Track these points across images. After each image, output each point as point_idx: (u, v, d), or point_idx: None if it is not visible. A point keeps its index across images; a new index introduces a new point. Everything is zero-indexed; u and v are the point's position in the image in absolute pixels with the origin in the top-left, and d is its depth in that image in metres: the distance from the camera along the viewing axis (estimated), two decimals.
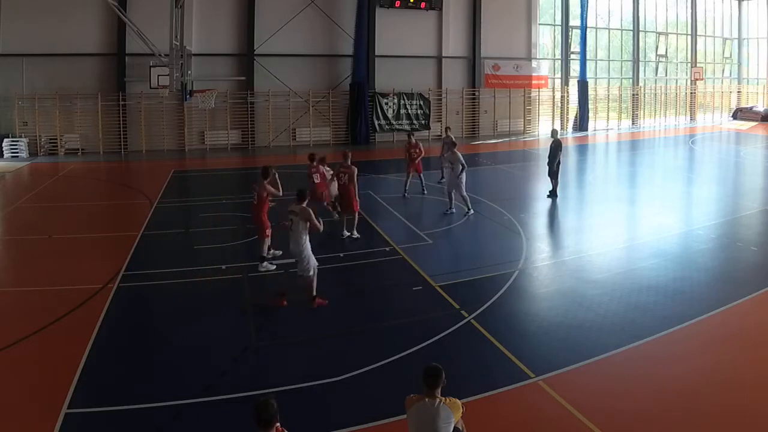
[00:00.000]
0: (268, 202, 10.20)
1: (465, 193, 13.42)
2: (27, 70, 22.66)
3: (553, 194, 15.47)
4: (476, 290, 9.09)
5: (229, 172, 20.70)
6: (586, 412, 5.80)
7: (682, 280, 9.55)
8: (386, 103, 27.49)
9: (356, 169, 11.92)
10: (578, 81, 31.54)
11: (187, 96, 21.08)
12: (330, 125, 27.02)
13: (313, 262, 8.40)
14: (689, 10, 36.48)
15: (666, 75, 36.90)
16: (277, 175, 10.51)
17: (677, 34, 36.79)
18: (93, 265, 10.31)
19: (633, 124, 34.90)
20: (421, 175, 16.08)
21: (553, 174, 15.45)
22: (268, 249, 10.34)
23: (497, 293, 8.90)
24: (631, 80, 35.20)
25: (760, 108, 36.91)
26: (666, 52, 36.28)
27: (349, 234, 11.95)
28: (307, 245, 8.36)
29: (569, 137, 29.76)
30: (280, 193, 10.31)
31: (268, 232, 10.05)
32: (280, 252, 10.51)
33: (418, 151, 15.86)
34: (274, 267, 10.15)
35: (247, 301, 8.91)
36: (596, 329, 7.72)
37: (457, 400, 4.35)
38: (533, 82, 31.14)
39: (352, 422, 5.68)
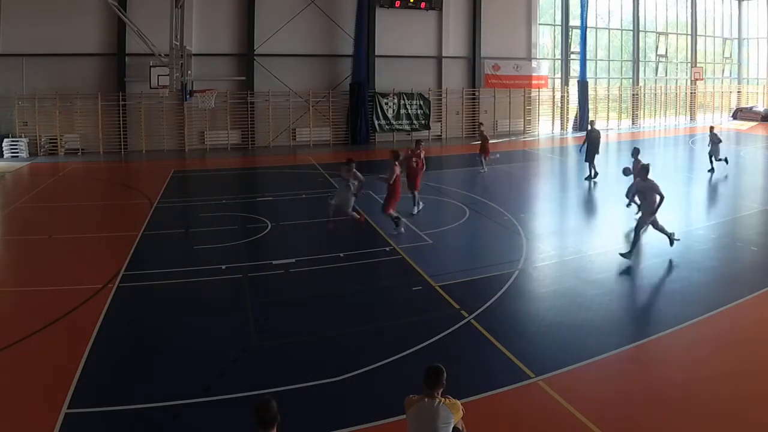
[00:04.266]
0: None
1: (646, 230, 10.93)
2: (27, 70, 22.65)
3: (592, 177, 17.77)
4: (476, 290, 9.09)
5: (229, 172, 20.70)
6: (586, 411, 5.80)
7: (682, 280, 9.56)
8: (386, 103, 27.49)
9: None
10: (578, 81, 31.54)
11: (187, 96, 21.08)
12: (330, 125, 27.03)
13: None
14: (689, 10, 36.49)
15: (666, 75, 36.90)
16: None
17: (677, 34, 36.79)
18: (93, 265, 10.31)
19: (633, 124, 34.90)
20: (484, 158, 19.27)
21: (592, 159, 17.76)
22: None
23: (497, 293, 8.89)
24: (631, 80, 35.21)
25: (760, 108, 36.91)
26: (666, 52, 36.29)
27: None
28: None
29: (569, 137, 29.77)
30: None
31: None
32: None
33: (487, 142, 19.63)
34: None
35: (247, 301, 8.90)
36: (596, 329, 7.72)
37: (457, 401, 4.36)
38: (533, 82, 31.14)
39: (352, 422, 5.68)
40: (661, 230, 10.77)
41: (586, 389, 6.32)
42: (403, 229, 12.11)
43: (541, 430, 5.68)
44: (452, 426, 4.25)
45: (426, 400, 4.26)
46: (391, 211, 12.29)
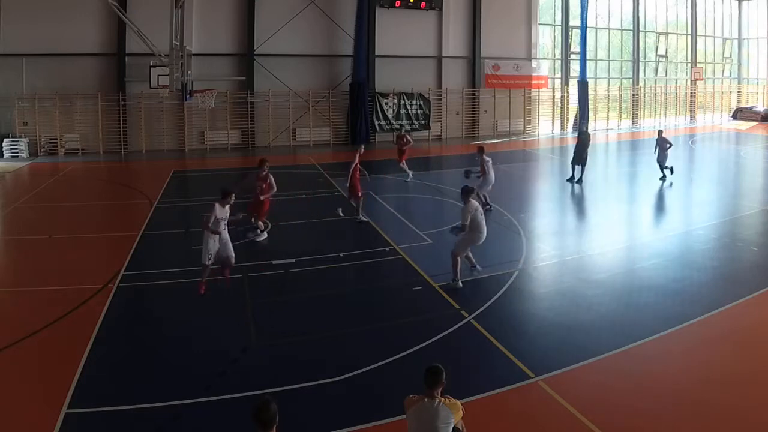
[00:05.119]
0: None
1: (459, 258, 9.27)
2: (27, 70, 22.64)
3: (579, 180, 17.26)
4: (476, 290, 9.09)
5: (229, 172, 20.67)
6: (586, 411, 5.80)
7: (682, 280, 9.56)
8: (386, 103, 27.49)
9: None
10: (578, 81, 31.53)
11: (187, 96, 21.08)
12: (330, 125, 27.02)
13: None
14: (689, 10, 36.49)
15: (666, 75, 36.90)
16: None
17: (677, 34, 36.80)
18: (93, 265, 10.31)
19: (633, 124, 34.90)
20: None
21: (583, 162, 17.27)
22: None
23: (497, 293, 8.90)
24: (631, 80, 35.21)
25: (760, 108, 36.92)
26: (666, 52, 36.29)
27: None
28: None
29: (569, 137, 29.76)
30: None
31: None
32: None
33: (404, 141, 17.84)
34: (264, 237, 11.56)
35: (247, 301, 8.90)
36: (596, 329, 7.72)
37: (457, 401, 4.36)
38: (533, 82, 31.14)
39: (352, 422, 5.69)
40: (454, 265, 9.18)
41: (586, 389, 6.32)
42: (263, 238, 11.59)
43: (541, 430, 5.68)
44: (452, 426, 4.25)
45: (426, 400, 4.27)
46: (261, 221, 11.55)
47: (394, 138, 18.60)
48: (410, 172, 17.61)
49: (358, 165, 12.96)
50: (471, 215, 8.93)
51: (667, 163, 17.39)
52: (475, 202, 9.22)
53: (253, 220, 11.53)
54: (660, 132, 17.78)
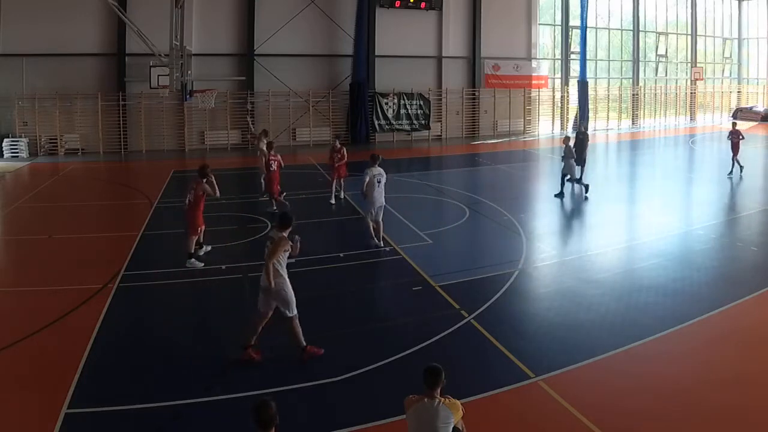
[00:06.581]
0: (203, 201, 10.23)
1: (372, 221, 10.99)
2: (27, 70, 22.65)
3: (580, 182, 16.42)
4: (476, 290, 9.09)
5: (229, 172, 20.67)
6: (586, 411, 5.80)
7: (682, 280, 9.55)
8: (386, 103, 27.50)
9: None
10: (578, 81, 31.54)
11: (187, 96, 21.08)
12: (330, 125, 27.02)
13: None
14: (689, 10, 36.51)
15: (666, 75, 36.91)
16: (213, 176, 10.25)
17: (677, 34, 36.81)
18: (93, 265, 10.30)
19: (633, 124, 34.91)
20: (342, 180, 15.40)
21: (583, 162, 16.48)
22: (199, 246, 10.50)
23: (497, 293, 8.89)
24: (631, 80, 35.22)
25: (760, 108, 36.91)
26: (666, 52, 36.31)
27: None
28: None
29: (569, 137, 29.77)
30: (217, 194, 10.30)
31: (200, 230, 10.22)
32: (210, 248, 10.84)
33: (340, 155, 15.16)
34: (202, 264, 10.16)
35: (248, 301, 8.89)
36: (596, 329, 7.72)
37: (457, 401, 4.36)
38: (533, 82, 31.17)
39: (352, 422, 5.68)
40: (366, 227, 11.22)
41: (586, 389, 6.32)
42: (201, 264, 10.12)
43: (541, 430, 5.68)
44: (452, 426, 4.25)
45: (426, 400, 4.27)
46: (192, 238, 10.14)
47: (330, 151, 15.51)
48: (341, 192, 15.58)
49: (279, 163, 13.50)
50: (368, 179, 10.76)
51: (577, 174, 15.69)
52: (374, 170, 10.87)
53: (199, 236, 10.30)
54: (567, 138, 15.81)
